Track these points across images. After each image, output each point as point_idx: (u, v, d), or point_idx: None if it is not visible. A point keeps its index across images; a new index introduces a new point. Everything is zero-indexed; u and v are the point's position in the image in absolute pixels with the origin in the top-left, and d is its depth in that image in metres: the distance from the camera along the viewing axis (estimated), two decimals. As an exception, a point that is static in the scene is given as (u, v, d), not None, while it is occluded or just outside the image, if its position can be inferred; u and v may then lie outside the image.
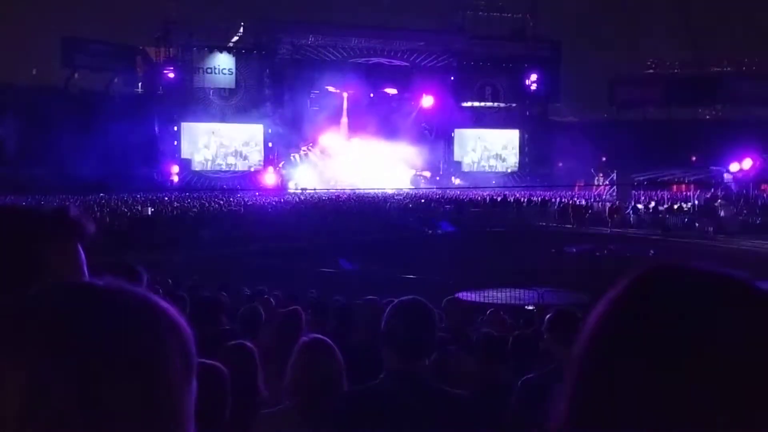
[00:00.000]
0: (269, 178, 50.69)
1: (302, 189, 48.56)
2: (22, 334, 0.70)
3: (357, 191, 46.56)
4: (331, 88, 54.46)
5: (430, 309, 2.62)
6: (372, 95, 55.54)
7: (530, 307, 13.07)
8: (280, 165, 53.02)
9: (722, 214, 32.38)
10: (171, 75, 49.15)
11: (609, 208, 34.21)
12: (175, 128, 50.22)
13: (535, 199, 40.72)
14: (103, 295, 0.76)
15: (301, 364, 2.76)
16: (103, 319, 0.72)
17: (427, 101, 57.35)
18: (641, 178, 48.38)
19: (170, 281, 10.90)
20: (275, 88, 51.84)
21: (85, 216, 1.07)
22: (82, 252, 1.06)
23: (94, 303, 0.74)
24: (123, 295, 0.76)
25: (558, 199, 39.57)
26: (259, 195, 42.00)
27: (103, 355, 0.70)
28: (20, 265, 0.99)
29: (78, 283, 0.78)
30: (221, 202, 34.85)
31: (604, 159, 56.41)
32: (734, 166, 45.16)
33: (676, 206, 36.25)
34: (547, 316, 3.84)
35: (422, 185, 54.90)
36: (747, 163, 44.69)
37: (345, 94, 55.25)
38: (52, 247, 1.02)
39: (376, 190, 47.97)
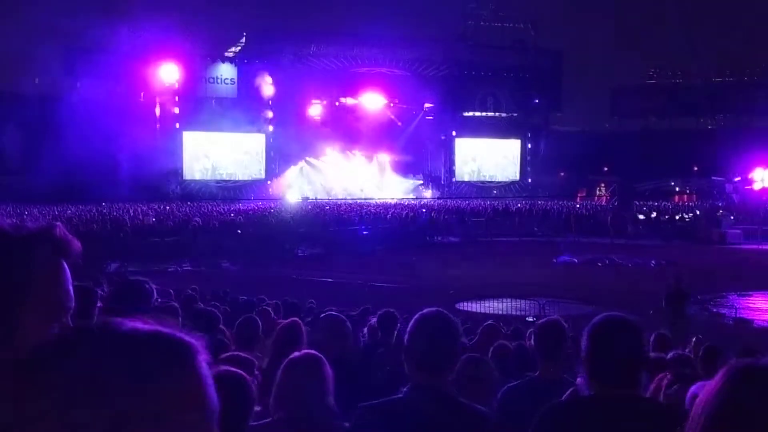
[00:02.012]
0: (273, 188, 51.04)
1: (304, 198, 48.63)
2: (57, 381, 0.74)
3: (358, 201, 46.63)
4: (335, 99, 54.68)
5: (453, 322, 2.56)
6: (373, 105, 55.62)
7: (530, 319, 13.06)
8: (281, 175, 53.14)
9: (724, 224, 32.37)
10: (173, 84, 49.28)
11: (610, 217, 34.15)
12: (177, 137, 50.31)
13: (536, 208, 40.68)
14: (133, 341, 0.79)
15: (287, 379, 2.75)
16: (134, 367, 0.76)
17: (428, 110, 57.48)
18: (643, 188, 48.42)
19: (172, 291, 10.88)
20: (277, 98, 51.91)
21: (70, 234, 1.06)
22: (67, 270, 1.06)
23: (126, 350, 0.78)
24: (151, 340, 0.80)
25: (560, 209, 39.57)
26: (261, 204, 42.04)
27: (134, 403, 0.75)
28: (6, 284, 0.98)
29: (110, 329, 0.81)
30: (222, 211, 34.86)
31: (605, 169, 56.47)
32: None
33: (677, 216, 36.24)
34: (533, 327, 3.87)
35: (423, 194, 55.00)
36: None
37: (346, 104, 55.40)
38: (38, 266, 1.01)
39: (377, 200, 48.02)
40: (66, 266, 1.04)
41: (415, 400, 2.45)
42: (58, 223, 1.06)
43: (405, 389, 2.50)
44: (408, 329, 2.57)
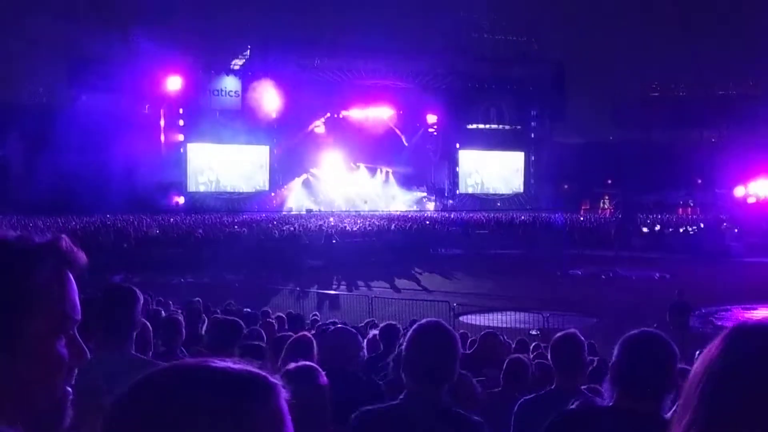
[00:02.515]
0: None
1: (307, 210, 48.66)
2: (152, 418, 0.80)
3: (362, 213, 46.65)
4: (338, 111, 54.84)
5: (451, 334, 2.57)
6: (377, 117, 55.76)
7: (534, 332, 13.02)
8: (285, 187, 53.26)
9: (727, 237, 32.31)
10: (178, 96, 49.45)
11: (614, 230, 34.08)
12: (181, 149, 50.48)
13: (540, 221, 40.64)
14: (226, 378, 0.85)
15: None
16: (226, 403, 0.82)
17: (432, 123, 57.58)
18: (646, 201, 48.35)
19: (171, 303, 10.87)
20: (281, 110, 52.04)
21: (76, 246, 1.06)
22: (74, 282, 1.05)
23: (219, 387, 0.83)
24: (242, 378, 0.86)
25: (563, 221, 39.53)
26: (264, 216, 42.08)
27: None
28: (12, 296, 0.98)
29: (203, 367, 0.86)
30: (226, 223, 34.88)
31: (609, 181, 56.45)
32: None
33: (681, 229, 36.17)
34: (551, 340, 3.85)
35: (427, 207, 55.01)
36: None
37: (350, 116, 55.54)
38: (44, 277, 1.01)
39: (381, 212, 48.04)
40: (72, 278, 1.04)
41: (411, 408, 2.46)
42: (64, 235, 1.05)
43: (401, 396, 2.53)
44: (406, 340, 2.59)
